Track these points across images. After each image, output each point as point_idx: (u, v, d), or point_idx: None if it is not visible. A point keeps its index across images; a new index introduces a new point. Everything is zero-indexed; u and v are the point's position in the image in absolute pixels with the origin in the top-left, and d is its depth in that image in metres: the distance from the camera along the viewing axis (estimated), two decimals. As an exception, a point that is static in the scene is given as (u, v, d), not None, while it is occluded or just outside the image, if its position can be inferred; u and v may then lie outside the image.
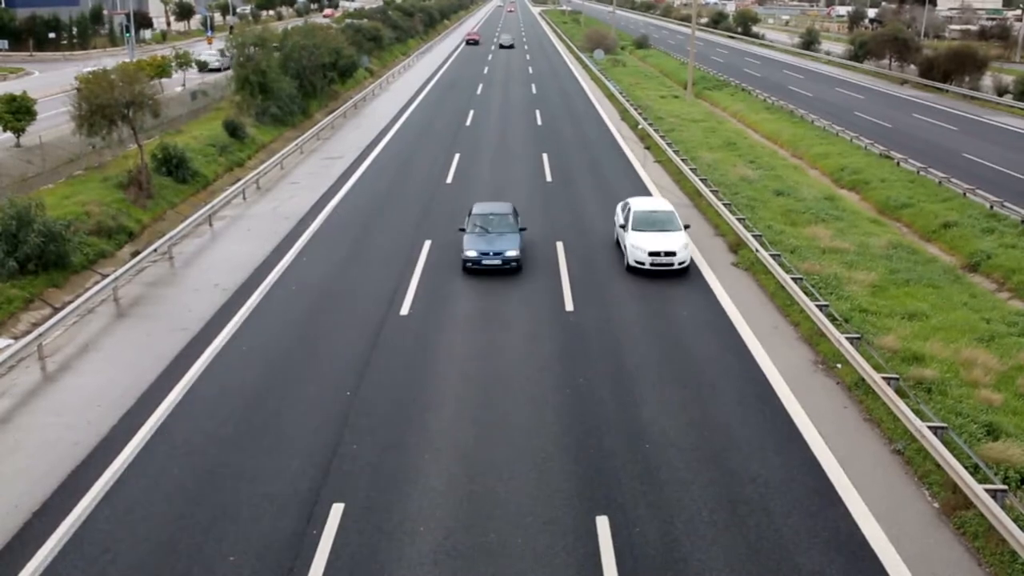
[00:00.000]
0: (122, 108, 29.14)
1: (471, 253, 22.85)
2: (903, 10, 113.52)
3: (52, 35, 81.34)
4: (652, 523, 12.75)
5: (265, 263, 24.24)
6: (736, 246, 25.76)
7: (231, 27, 73.49)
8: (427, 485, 13.65)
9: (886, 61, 79.37)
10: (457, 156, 38.49)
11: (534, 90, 61.85)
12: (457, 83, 66.00)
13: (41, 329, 18.51)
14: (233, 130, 40.30)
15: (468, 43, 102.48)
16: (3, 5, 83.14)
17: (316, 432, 15.22)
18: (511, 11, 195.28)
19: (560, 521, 12.78)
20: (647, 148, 41.36)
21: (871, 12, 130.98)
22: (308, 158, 39.11)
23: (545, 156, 38.46)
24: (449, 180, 34.10)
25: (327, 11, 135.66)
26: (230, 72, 46.44)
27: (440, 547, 12.21)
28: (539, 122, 47.99)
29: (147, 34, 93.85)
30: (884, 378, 16.09)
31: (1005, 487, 12.90)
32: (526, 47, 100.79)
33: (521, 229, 24.05)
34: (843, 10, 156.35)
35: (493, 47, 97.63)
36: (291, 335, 19.35)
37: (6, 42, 75.77)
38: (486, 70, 74.85)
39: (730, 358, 18.30)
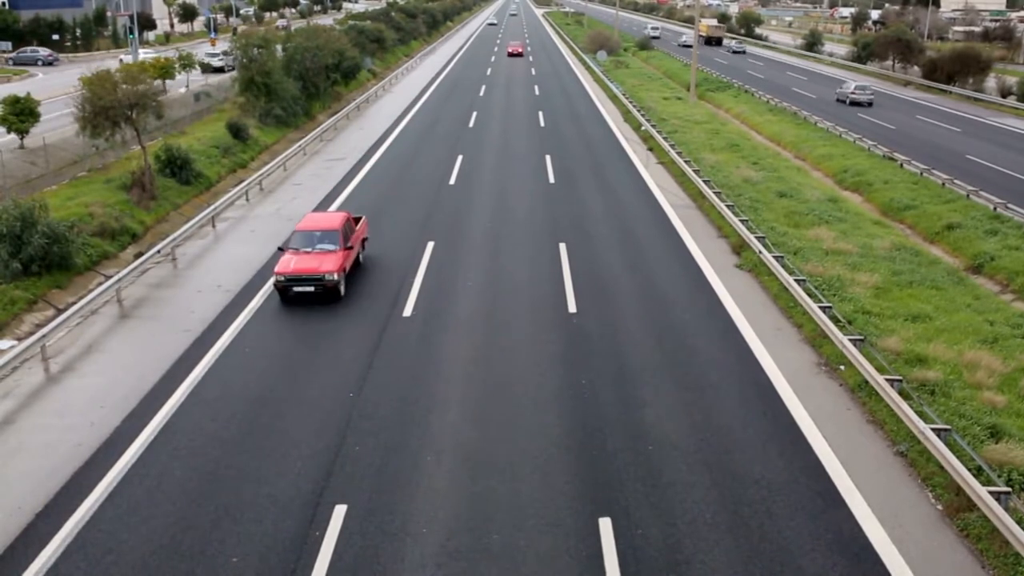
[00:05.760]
0: (126, 109, 29.18)
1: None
2: (906, 11, 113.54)
3: (56, 37, 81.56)
4: (655, 525, 12.74)
5: (268, 264, 24.24)
6: (739, 248, 25.74)
7: (234, 29, 73.53)
8: (430, 486, 13.65)
9: (889, 62, 79.32)
10: (460, 158, 38.50)
11: (537, 91, 61.86)
12: (460, 84, 66.02)
13: (44, 330, 18.54)
14: (236, 131, 40.35)
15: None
16: (7, 7, 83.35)
17: (319, 433, 15.23)
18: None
19: (563, 523, 12.77)
20: (650, 150, 41.35)
21: (874, 13, 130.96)
22: (311, 160, 39.15)
23: (548, 158, 38.45)
24: (452, 181, 34.11)
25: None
26: (234, 72, 46.48)
27: (443, 548, 12.21)
28: (542, 124, 47.98)
29: (150, 36, 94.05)
30: (887, 380, 16.06)
31: (1008, 489, 12.89)
32: (528, 45, 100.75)
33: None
34: (846, 11, 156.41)
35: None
36: (293, 336, 19.36)
37: (10, 44, 75.97)
38: (489, 71, 74.91)
39: (733, 360, 18.28)
